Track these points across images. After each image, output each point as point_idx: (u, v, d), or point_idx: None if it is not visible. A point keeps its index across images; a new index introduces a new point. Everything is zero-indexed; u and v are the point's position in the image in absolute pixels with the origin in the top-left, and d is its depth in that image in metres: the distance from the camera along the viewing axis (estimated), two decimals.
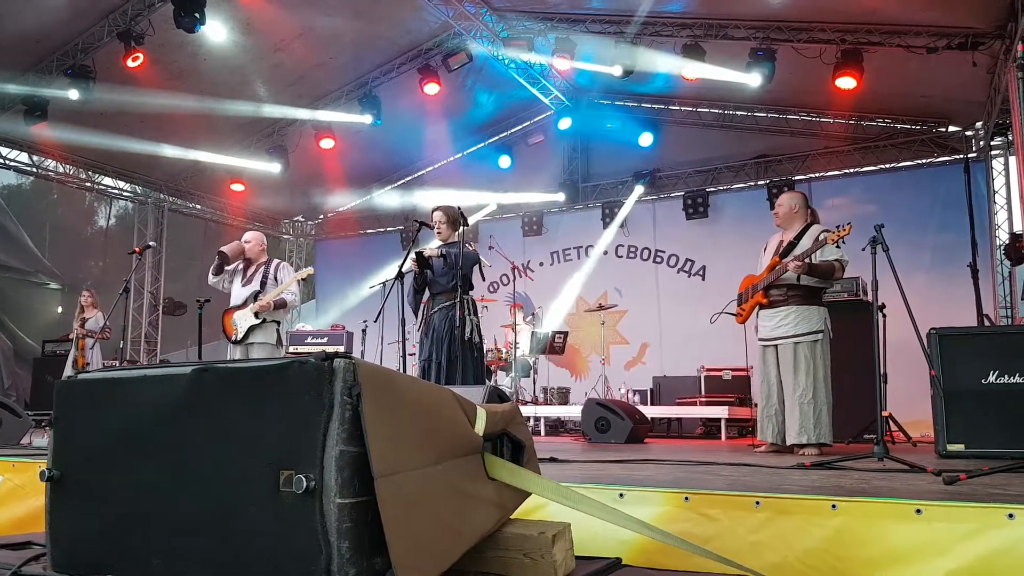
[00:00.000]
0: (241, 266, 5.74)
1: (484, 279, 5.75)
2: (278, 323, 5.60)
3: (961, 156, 8.83)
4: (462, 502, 1.50)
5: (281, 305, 5.51)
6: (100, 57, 8.43)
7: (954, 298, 7.69)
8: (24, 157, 10.17)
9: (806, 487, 2.27)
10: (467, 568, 1.56)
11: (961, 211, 7.86)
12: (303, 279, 5.74)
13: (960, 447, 3.86)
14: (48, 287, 10.76)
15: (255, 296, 5.49)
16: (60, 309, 10.75)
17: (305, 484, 1.22)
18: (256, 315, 5.43)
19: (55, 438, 1.61)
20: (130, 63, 8.09)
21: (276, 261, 5.79)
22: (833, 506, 1.90)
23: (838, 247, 4.31)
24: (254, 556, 1.29)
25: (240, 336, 5.47)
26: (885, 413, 3.52)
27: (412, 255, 5.23)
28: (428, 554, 1.33)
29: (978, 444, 3.81)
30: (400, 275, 5.17)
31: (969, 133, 9.14)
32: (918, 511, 1.82)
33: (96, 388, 1.59)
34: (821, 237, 4.35)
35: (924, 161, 9.32)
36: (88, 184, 11.09)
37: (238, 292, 5.63)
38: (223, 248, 5.69)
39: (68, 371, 8.20)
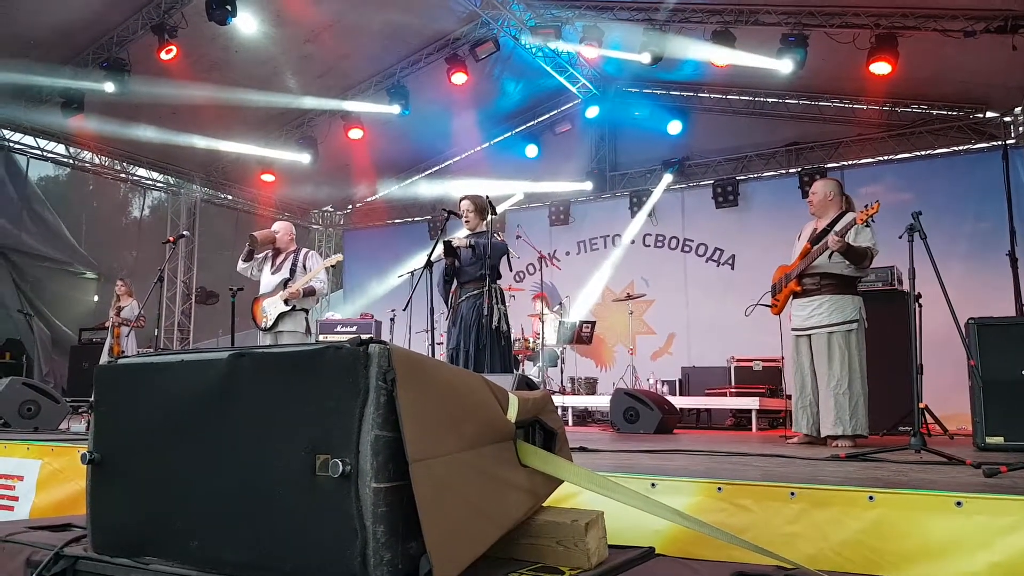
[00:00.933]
0: (270, 254, 5.81)
1: (511, 269, 5.74)
2: (306, 311, 5.66)
3: (999, 143, 8.59)
4: (495, 488, 1.50)
5: (310, 292, 5.57)
6: (134, 50, 8.57)
7: (992, 288, 7.49)
8: (61, 149, 10.39)
9: (842, 478, 2.23)
10: (500, 554, 1.56)
11: (999, 199, 7.64)
12: (332, 266, 5.78)
13: (999, 440, 3.77)
14: (84, 276, 10.98)
15: (284, 284, 5.55)
16: (96, 298, 10.97)
17: (341, 468, 1.23)
18: (286, 302, 5.49)
19: (95, 422, 1.64)
20: (163, 56, 8.21)
21: (305, 250, 5.85)
22: (870, 498, 1.87)
23: (868, 226, 4.23)
24: (290, 539, 1.30)
25: (269, 323, 5.54)
26: (921, 405, 3.44)
27: (440, 244, 5.24)
28: (462, 540, 1.34)
29: (1017, 437, 3.72)
30: (429, 264, 5.19)
31: (1008, 119, 8.89)
32: (958, 503, 1.78)
33: (135, 372, 1.62)
34: (849, 217, 4.27)
35: (961, 148, 9.08)
36: (123, 175, 11.31)
37: (267, 280, 5.71)
38: (254, 233, 5.77)
39: (104, 359, 8.37)
